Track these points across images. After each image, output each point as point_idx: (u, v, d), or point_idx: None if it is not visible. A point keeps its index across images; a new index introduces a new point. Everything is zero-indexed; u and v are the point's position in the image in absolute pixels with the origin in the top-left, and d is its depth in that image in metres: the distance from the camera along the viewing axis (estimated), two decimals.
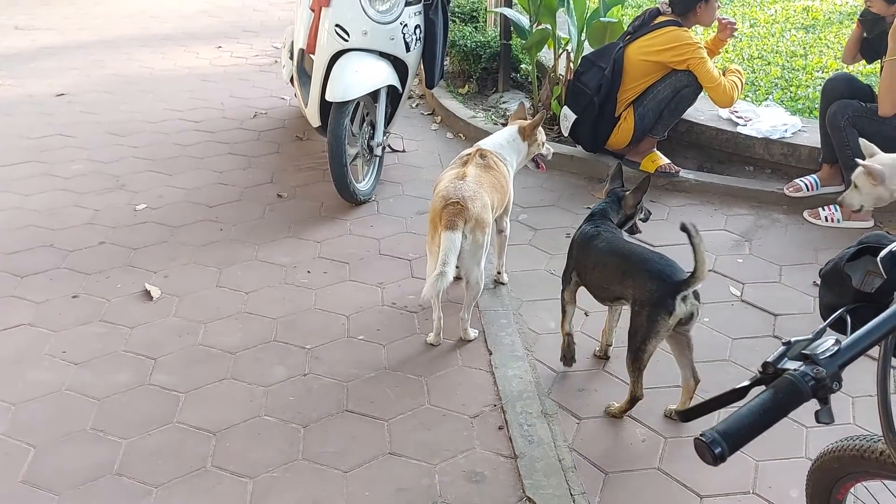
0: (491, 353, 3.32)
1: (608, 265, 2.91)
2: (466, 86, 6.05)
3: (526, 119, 3.79)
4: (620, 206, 3.14)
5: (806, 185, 4.41)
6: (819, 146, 4.48)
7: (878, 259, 1.29)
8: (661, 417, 2.93)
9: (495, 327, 3.48)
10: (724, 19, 4.68)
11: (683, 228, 2.55)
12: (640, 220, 3.22)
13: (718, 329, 3.43)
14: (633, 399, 2.88)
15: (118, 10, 8.99)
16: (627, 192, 3.13)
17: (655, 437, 2.85)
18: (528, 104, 5.46)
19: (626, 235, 3.10)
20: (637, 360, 2.79)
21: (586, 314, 3.53)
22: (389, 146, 5.11)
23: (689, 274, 2.64)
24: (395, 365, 3.26)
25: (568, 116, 4.79)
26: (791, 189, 4.42)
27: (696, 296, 2.72)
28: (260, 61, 7.17)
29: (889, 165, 3.54)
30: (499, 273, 3.79)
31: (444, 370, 3.23)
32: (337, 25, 4.34)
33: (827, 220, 4.23)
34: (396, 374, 3.21)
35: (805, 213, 4.31)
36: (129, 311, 3.63)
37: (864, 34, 4.37)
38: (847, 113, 4.08)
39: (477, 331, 3.44)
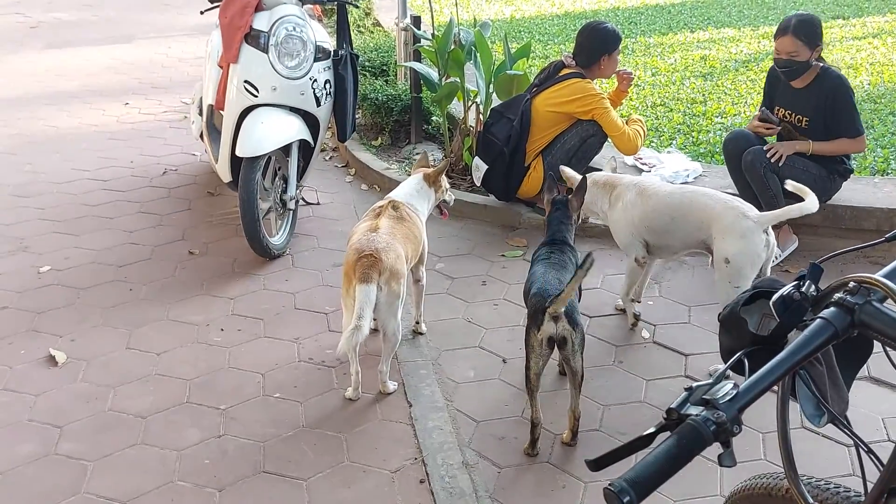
0: (411, 406, 3.30)
1: (527, 284, 3.12)
2: (379, 138, 6.09)
3: (429, 167, 3.85)
4: (568, 210, 3.34)
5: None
6: (720, 191, 4.65)
7: (771, 303, 1.33)
8: (581, 463, 2.95)
9: (415, 378, 3.47)
10: (621, 71, 4.85)
11: (587, 256, 2.77)
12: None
13: (632, 371, 3.50)
14: (532, 424, 2.97)
15: (21, 69, 8.77)
16: (570, 197, 3.37)
17: (575, 483, 2.87)
18: (440, 155, 5.53)
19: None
20: (526, 379, 2.95)
21: (504, 361, 3.56)
22: (303, 199, 5.09)
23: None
24: (314, 422, 3.21)
25: (479, 167, 4.87)
26: None
27: (573, 323, 2.86)
28: (169, 117, 7.08)
29: (585, 179, 3.74)
30: (417, 323, 3.79)
31: (364, 425, 3.20)
32: (246, 81, 4.33)
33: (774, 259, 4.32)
34: (315, 431, 3.16)
35: None
36: (34, 377, 3.49)
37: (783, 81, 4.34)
38: (764, 161, 4.18)
39: (396, 383, 3.42)
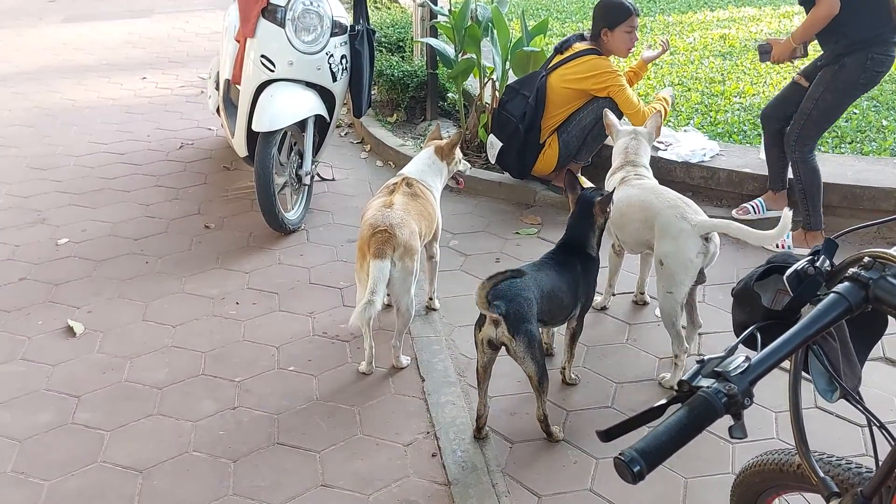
0: (423, 380, 3.32)
1: None
2: (395, 114, 6.08)
3: (441, 139, 3.83)
4: (593, 215, 3.13)
5: (753, 207, 4.51)
6: (736, 170, 4.66)
7: (785, 278, 1.33)
8: (592, 439, 2.96)
9: (427, 354, 3.49)
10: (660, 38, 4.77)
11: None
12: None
13: (645, 349, 3.50)
14: (477, 415, 2.96)
15: (39, 42, 8.81)
16: (597, 199, 3.11)
17: (587, 459, 2.88)
18: (452, 132, 5.50)
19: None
20: (476, 371, 2.92)
21: None
22: (318, 175, 5.10)
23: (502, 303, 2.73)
24: (327, 395, 3.23)
25: (494, 144, 4.85)
26: (740, 212, 4.49)
27: (514, 331, 2.72)
28: (186, 92, 7.09)
29: (621, 130, 3.75)
30: (430, 299, 3.80)
31: (377, 399, 3.22)
32: (262, 56, 4.33)
33: (754, 212, 4.47)
34: (328, 404, 3.18)
35: (734, 212, 4.48)
36: (51, 348, 3.53)
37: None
38: (797, 146, 4.16)
39: (409, 358, 3.44)
